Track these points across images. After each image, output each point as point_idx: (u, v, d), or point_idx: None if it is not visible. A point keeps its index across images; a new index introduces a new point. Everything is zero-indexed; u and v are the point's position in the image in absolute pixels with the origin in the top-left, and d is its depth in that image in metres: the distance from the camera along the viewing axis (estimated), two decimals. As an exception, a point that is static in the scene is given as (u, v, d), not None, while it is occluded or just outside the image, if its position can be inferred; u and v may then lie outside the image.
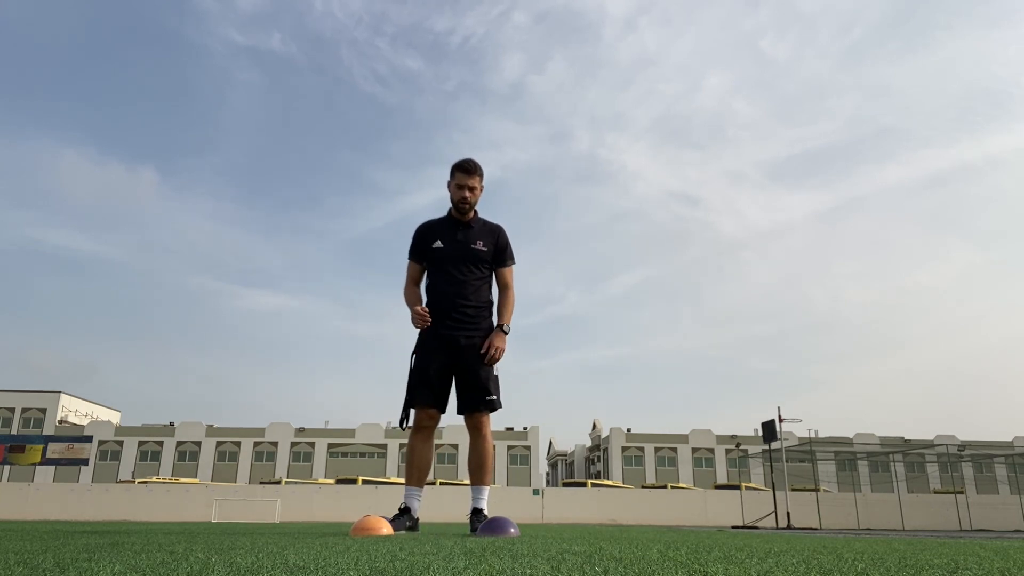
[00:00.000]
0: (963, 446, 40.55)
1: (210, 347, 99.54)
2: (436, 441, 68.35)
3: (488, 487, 4.26)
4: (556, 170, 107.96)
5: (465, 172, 4.20)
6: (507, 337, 4.21)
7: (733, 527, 20.97)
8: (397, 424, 4.22)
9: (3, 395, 60.31)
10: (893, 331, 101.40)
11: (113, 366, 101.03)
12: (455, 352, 4.15)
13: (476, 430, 4.19)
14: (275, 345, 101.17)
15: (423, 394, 4.11)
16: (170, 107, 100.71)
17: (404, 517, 4.07)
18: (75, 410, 63.22)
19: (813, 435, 51.70)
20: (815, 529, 20.81)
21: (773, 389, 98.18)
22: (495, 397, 4.17)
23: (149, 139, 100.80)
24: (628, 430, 63.45)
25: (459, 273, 4.21)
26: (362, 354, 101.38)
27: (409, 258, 4.37)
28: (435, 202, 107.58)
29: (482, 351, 4.13)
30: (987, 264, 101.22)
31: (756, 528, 19.48)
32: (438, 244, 4.25)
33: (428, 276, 4.35)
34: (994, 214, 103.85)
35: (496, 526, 3.72)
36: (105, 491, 28.76)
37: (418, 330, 4.23)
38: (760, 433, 25.96)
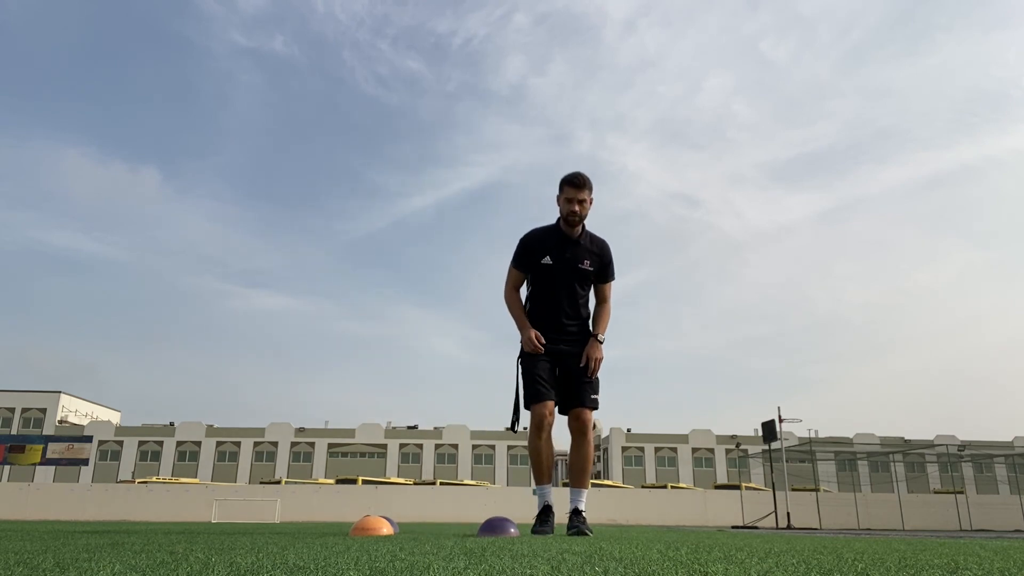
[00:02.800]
0: (963, 446, 40.44)
1: (210, 347, 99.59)
2: (436, 441, 67.40)
3: (587, 490, 4.34)
4: (557, 171, 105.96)
5: (574, 186, 4.21)
6: (602, 346, 4.30)
7: (733, 527, 20.97)
8: (508, 427, 4.31)
9: (3, 395, 60.31)
10: (893, 331, 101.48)
11: (113, 366, 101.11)
12: (558, 357, 4.26)
13: (581, 432, 4.23)
14: (275, 345, 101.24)
15: (542, 390, 4.16)
16: (172, 108, 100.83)
17: (550, 516, 4.26)
18: (75, 410, 63.20)
19: (813, 435, 51.75)
20: (815, 529, 20.81)
21: (773, 389, 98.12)
22: (597, 396, 4.27)
23: (151, 140, 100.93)
24: (628, 430, 63.46)
25: (565, 291, 4.31)
26: (362, 354, 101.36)
27: (514, 265, 4.40)
28: (436, 203, 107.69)
29: (582, 365, 4.22)
30: (986, 264, 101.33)
31: (756, 528, 19.48)
32: (547, 260, 4.29)
33: (532, 286, 4.41)
34: (993, 215, 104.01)
35: (496, 526, 3.72)
36: (105, 491, 28.73)
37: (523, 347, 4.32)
38: (760, 433, 25.95)
